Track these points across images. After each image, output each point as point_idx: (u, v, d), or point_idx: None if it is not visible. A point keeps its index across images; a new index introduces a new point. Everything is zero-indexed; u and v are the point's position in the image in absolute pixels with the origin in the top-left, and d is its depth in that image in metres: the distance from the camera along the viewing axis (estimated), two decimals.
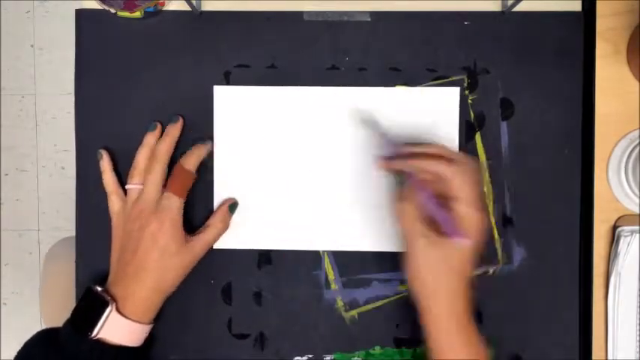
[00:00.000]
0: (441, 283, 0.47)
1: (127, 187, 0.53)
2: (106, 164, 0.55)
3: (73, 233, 0.57)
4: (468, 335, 0.47)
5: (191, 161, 0.53)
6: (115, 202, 0.54)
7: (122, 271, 0.51)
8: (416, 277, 0.48)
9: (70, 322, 0.50)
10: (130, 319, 0.49)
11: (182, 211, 0.51)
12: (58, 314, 0.52)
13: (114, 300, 0.49)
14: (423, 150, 0.50)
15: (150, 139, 0.54)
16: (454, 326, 0.47)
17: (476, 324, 0.49)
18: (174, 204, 0.51)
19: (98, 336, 0.48)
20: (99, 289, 0.50)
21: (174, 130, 0.54)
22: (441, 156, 0.49)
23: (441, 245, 0.47)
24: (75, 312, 0.50)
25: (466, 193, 0.47)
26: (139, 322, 0.50)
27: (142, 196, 0.51)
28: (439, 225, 0.48)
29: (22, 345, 0.50)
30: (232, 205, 0.55)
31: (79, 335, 0.48)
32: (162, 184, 0.52)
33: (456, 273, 0.47)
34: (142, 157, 0.53)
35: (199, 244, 0.52)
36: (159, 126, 0.55)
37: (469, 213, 0.47)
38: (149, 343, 0.54)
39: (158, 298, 0.51)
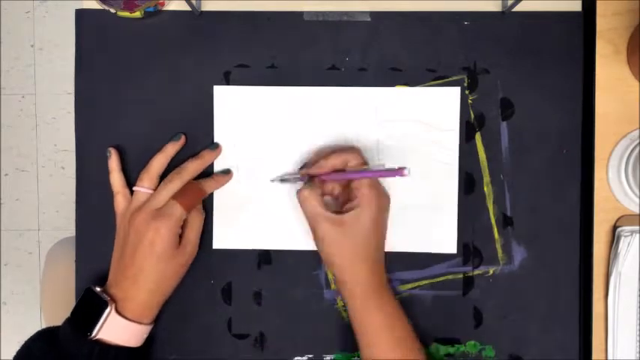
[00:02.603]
0: (348, 258, 0.49)
1: (134, 188, 0.53)
2: (114, 163, 0.55)
3: (73, 233, 0.57)
4: (382, 299, 0.50)
5: (210, 186, 0.54)
6: (120, 203, 0.54)
7: (121, 274, 0.51)
8: (327, 257, 0.51)
9: (69, 322, 0.50)
10: (129, 319, 0.50)
11: (181, 223, 0.51)
12: (59, 314, 0.52)
13: (113, 300, 0.49)
14: (319, 157, 0.53)
15: (170, 149, 0.54)
16: (369, 292, 0.50)
17: (391, 290, 0.51)
18: (176, 212, 0.50)
19: (97, 336, 0.48)
20: (98, 289, 0.50)
21: (209, 157, 0.55)
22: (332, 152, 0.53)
23: (341, 223, 0.49)
24: (74, 312, 0.51)
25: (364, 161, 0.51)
26: (139, 323, 0.50)
27: (151, 201, 0.51)
28: (338, 207, 0.52)
29: (21, 344, 0.50)
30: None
31: (79, 335, 0.48)
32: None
33: (360, 245, 0.49)
34: (157, 163, 0.53)
35: (189, 243, 0.52)
36: (183, 138, 0.55)
37: (364, 184, 0.50)
38: (149, 343, 0.54)
39: (157, 300, 0.51)
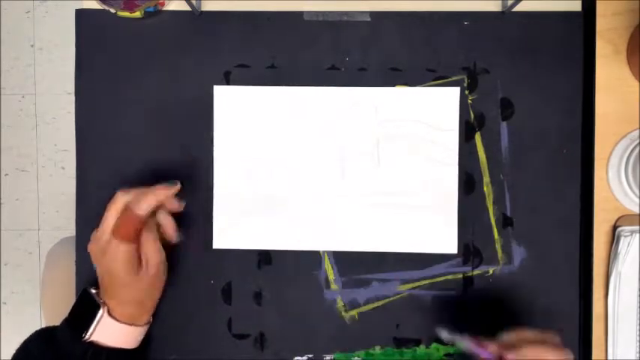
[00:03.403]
0: None
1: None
2: (118, 205, 0.50)
3: (73, 233, 0.57)
4: None
5: (142, 206, 0.48)
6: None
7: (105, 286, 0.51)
8: None
9: (67, 322, 0.50)
10: (122, 322, 0.50)
11: (130, 255, 0.49)
12: (59, 314, 0.52)
13: (106, 303, 0.50)
14: (522, 337, 0.45)
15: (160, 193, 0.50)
16: None
17: None
18: (119, 252, 0.48)
19: (92, 338, 0.49)
20: (93, 291, 0.51)
21: (163, 192, 0.50)
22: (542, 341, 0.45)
23: None
24: (71, 313, 0.51)
25: None
26: (133, 325, 0.50)
27: (96, 235, 0.50)
28: None
29: (20, 343, 0.50)
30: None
31: (75, 336, 0.49)
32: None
33: None
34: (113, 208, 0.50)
35: (151, 266, 0.50)
36: (178, 185, 0.51)
37: None
38: (146, 344, 0.54)
39: (146, 306, 0.52)
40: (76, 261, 0.56)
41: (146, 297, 0.51)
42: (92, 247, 0.51)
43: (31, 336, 0.51)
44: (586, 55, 0.55)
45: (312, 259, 0.56)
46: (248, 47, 0.56)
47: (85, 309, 0.50)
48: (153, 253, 0.50)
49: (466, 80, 0.55)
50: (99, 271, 0.51)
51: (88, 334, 0.48)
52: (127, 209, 0.48)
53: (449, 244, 0.55)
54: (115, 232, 0.48)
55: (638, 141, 0.54)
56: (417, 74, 0.55)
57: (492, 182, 0.55)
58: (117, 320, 0.49)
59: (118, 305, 0.50)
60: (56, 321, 0.52)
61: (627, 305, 0.54)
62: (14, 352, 0.50)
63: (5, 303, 1.32)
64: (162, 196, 0.50)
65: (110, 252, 0.49)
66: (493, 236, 0.55)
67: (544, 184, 0.55)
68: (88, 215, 0.56)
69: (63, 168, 1.32)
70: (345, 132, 0.56)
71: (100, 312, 0.49)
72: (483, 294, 0.55)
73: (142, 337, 0.52)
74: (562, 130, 0.55)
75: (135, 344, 0.51)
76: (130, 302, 0.50)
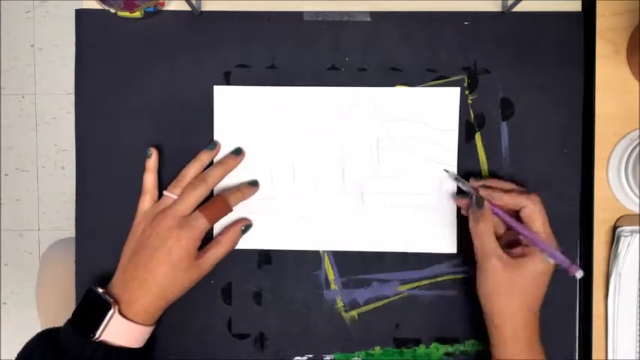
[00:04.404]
0: (511, 305, 0.48)
1: (165, 193, 0.53)
2: (152, 164, 0.55)
3: (73, 233, 0.57)
4: (532, 354, 0.48)
5: (237, 199, 0.54)
6: (146, 202, 0.54)
7: (130, 274, 0.50)
8: (487, 296, 0.49)
9: (71, 324, 0.50)
10: (132, 321, 0.49)
11: (203, 236, 0.51)
12: (55, 316, 0.52)
13: (116, 302, 0.49)
14: (498, 185, 0.52)
15: (204, 157, 0.54)
16: (522, 344, 0.48)
17: (542, 347, 0.49)
18: (201, 225, 0.51)
19: (101, 338, 0.48)
20: (100, 290, 0.50)
21: (232, 162, 0.55)
22: (512, 190, 0.51)
23: (513, 267, 0.48)
24: (76, 313, 0.50)
25: (543, 219, 0.49)
26: (142, 324, 0.50)
27: (174, 207, 0.51)
28: (512, 248, 0.50)
29: (22, 346, 0.50)
30: (246, 227, 0.55)
31: (81, 337, 0.48)
32: (197, 205, 0.52)
33: (524, 295, 0.48)
34: (190, 172, 0.54)
35: (208, 261, 0.52)
36: (218, 146, 0.55)
37: (547, 236, 0.49)
38: (150, 343, 0.54)
39: (162, 304, 0.51)
40: (76, 261, 0.56)
41: (169, 291, 0.51)
42: (166, 216, 0.50)
43: (32, 339, 0.51)
44: (586, 55, 0.55)
45: (312, 259, 0.56)
46: (248, 47, 0.56)
47: (90, 309, 0.49)
48: (218, 254, 0.53)
49: (466, 80, 0.55)
50: (148, 246, 0.50)
51: (98, 333, 0.48)
52: (221, 197, 0.53)
53: (449, 244, 0.55)
54: (205, 210, 0.51)
55: (638, 141, 0.54)
56: (417, 74, 0.55)
57: None
58: (127, 319, 0.49)
59: (139, 298, 0.50)
60: (52, 322, 0.52)
61: (627, 305, 0.54)
62: (16, 355, 0.50)
63: (5, 303, 1.32)
64: (250, 195, 0.55)
65: (188, 225, 0.50)
66: None
67: (544, 184, 0.55)
68: (88, 215, 0.56)
69: (63, 168, 1.33)
70: (345, 132, 0.56)
71: (112, 311, 0.48)
72: None
73: (147, 336, 0.52)
74: (562, 130, 0.55)
75: (141, 344, 0.51)
76: (150, 293, 0.50)
